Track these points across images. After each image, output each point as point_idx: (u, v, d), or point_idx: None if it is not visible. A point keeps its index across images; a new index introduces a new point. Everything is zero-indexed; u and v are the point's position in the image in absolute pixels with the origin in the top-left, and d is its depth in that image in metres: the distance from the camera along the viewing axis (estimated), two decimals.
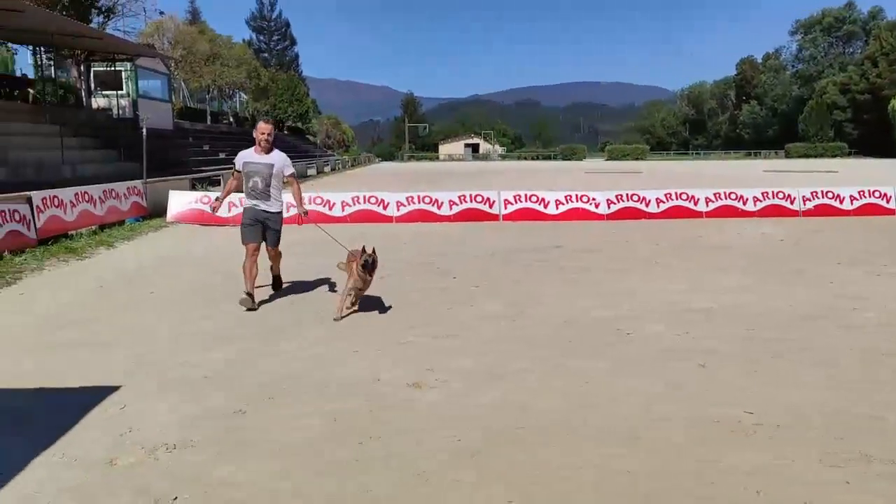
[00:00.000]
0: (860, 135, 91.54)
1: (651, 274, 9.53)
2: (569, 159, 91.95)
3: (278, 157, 7.66)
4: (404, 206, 16.45)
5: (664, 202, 16.71)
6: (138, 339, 6.33)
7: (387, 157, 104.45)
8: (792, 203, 16.81)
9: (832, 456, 3.84)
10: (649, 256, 11.00)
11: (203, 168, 27.77)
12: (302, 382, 5.17)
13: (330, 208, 16.00)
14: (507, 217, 16.33)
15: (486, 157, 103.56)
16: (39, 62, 27.85)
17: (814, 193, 16.96)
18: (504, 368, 5.48)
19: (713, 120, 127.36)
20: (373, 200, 16.43)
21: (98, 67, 31.63)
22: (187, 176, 22.04)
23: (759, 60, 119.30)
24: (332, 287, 8.46)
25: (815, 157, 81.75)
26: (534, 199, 16.67)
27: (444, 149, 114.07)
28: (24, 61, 39.60)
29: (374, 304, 7.45)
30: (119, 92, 31.82)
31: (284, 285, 8.44)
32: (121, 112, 31.11)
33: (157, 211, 16.28)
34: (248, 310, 7.30)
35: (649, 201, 16.71)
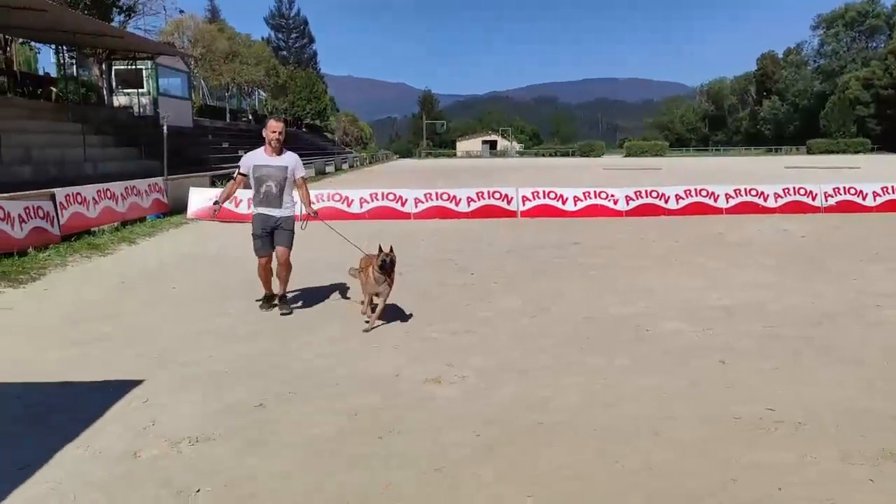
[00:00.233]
0: (883, 130, 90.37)
1: (670, 271, 9.48)
2: (587, 156, 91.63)
3: (291, 159, 7.03)
4: (422, 202, 16.46)
5: (683, 199, 16.61)
6: (160, 335, 6.39)
7: (404, 154, 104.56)
8: (814, 199, 16.64)
9: (855, 454, 3.80)
10: (668, 253, 10.94)
11: (222, 165, 27.95)
12: (322, 378, 5.20)
13: (348, 205, 16.05)
14: (525, 213, 16.31)
15: (503, 154, 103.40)
16: (62, 61, 28.18)
17: (836, 189, 16.78)
18: (523, 365, 5.48)
19: (733, 116, 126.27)
20: (391, 197, 16.46)
21: (119, 66, 31.93)
22: (207, 173, 22.22)
23: (781, 56, 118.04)
24: (351, 284, 8.48)
25: (838, 153, 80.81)
26: (552, 195, 16.61)
27: (462, 146, 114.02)
28: (46, 60, 40.17)
29: (393, 300, 7.47)
30: (140, 90, 32.10)
31: (293, 293, 7.72)
32: (142, 110, 31.40)
33: (177, 207, 16.42)
34: (264, 308, 7.21)
35: (668, 198, 16.61)
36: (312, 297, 7.92)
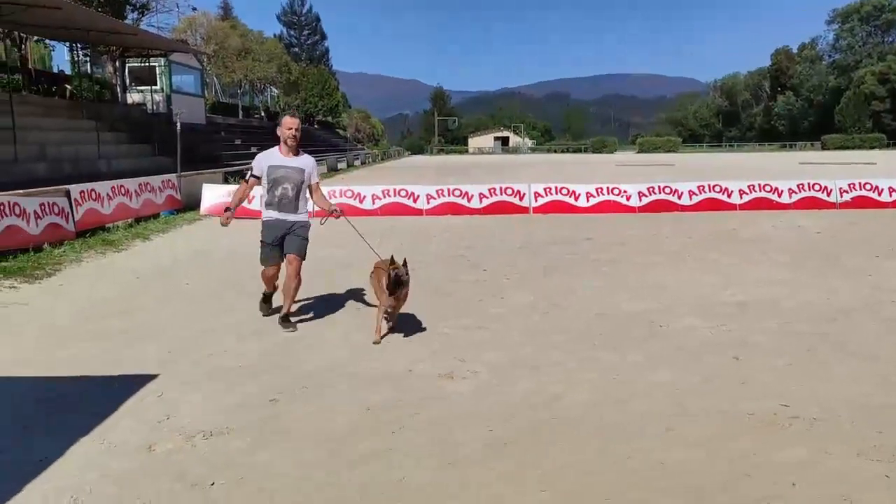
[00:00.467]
0: None
1: (683, 267, 9.43)
2: (599, 152, 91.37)
3: (309, 161, 6.49)
4: (434, 198, 16.46)
5: (697, 194, 16.52)
6: (174, 330, 6.44)
7: (416, 151, 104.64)
8: (828, 195, 16.50)
9: (871, 450, 3.78)
10: (681, 249, 10.89)
11: (235, 162, 28.05)
12: (335, 373, 5.22)
13: (360, 201, 16.07)
14: (537, 210, 16.27)
15: (515, 151, 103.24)
16: (76, 58, 28.34)
17: (851, 185, 16.62)
18: (535, 360, 5.48)
19: (747, 111, 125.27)
20: (403, 193, 16.47)
21: (133, 63, 32.07)
22: (220, 170, 22.31)
23: (795, 51, 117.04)
24: (364, 281, 8.50)
25: (853, 148, 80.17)
26: (564, 191, 16.57)
27: (474, 142, 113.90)
28: (60, 58, 40.41)
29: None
30: (153, 87, 32.23)
31: (302, 299, 7.21)
32: (155, 107, 31.52)
33: (190, 204, 16.51)
34: (270, 312, 6.71)
35: (681, 193, 16.53)
36: (325, 293, 7.94)
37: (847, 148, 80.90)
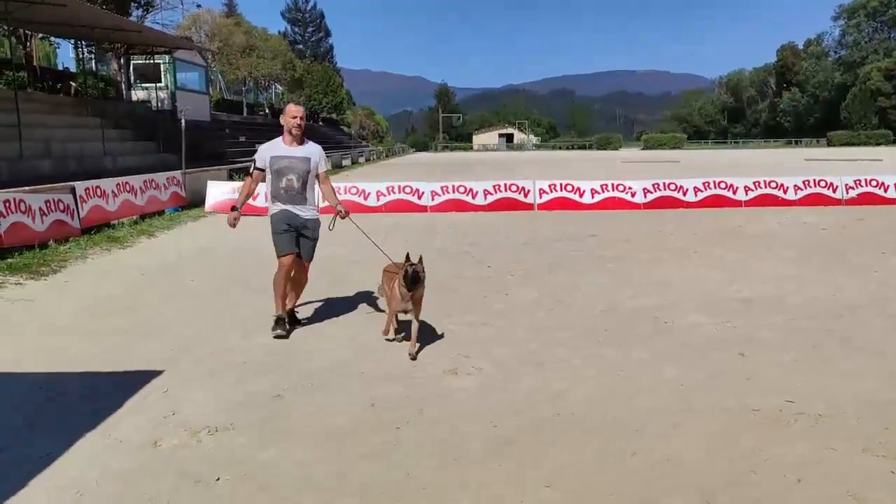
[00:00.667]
0: None
1: (688, 263, 9.41)
2: (604, 149, 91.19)
3: (314, 149, 6.22)
4: (439, 195, 16.45)
5: (702, 191, 16.47)
6: (179, 327, 6.44)
7: (420, 148, 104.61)
8: (834, 191, 16.43)
9: (877, 446, 3.76)
10: (686, 246, 10.86)
11: (240, 159, 28.09)
12: (340, 369, 5.22)
13: (365, 198, 16.07)
14: (542, 206, 16.23)
15: (520, 147, 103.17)
16: (81, 56, 28.40)
17: (857, 181, 16.55)
18: (540, 357, 5.47)
19: (752, 108, 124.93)
20: (407, 190, 16.47)
21: (137, 60, 32.15)
22: (225, 166, 22.33)
23: (801, 47, 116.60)
24: (369, 278, 8.50)
25: (859, 144, 79.84)
26: (569, 188, 16.53)
27: (478, 139, 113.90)
28: (65, 55, 40.52)
29: None
30: (158, 84, 32.30)
31: (306, 298, 6.93)
32: (160, 104, 31.59)
33: (195, 201, 16.54)
34: (279, 337, 5.99)
35: (686, 190, 16.48)
36: (329, 291, 7.93)
37: (853, 144, 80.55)
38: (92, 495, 3.38)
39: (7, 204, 9.89)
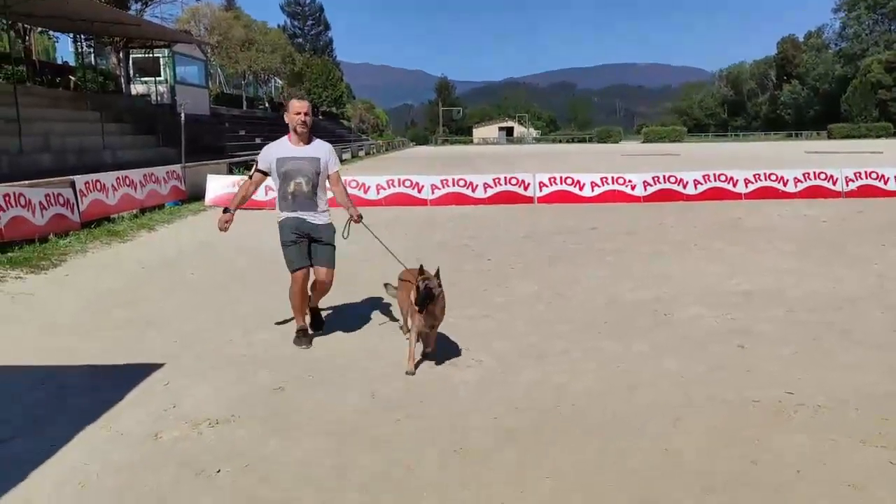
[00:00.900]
0: None
1: (688, 256, 9.41)
2: (604, 142, 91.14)
3: (323, 148, 5.69)
4: (439, 189, 16.43)
5: (702, 184, 16.45)
6: (180, 320, 6.45)
7: (421, 142, 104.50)
8: (834, 184, 16.41)
9: (876, 437, 3.77)
10: (686, 238, 10.86)
11: (239, 153, 28.07)
12: (341, 362, 5.23)
13: (365, 192, 16.06)
14: (542, 199, 16.22)
15: (520, 141, 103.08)
16: (80, 50, 28.32)
17: (857, 174, 16.53)
18: (540, 349, 5.47)
19: (753, 101, 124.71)
20: (408, 184, 16.44)
21: (136, 54, 32.03)
22: (224, 160, 22.31)
23: (801, 39, 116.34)
24: (372, 272, 8.49)
25: (859, 137, 79.71)
26: (569, 181, 16.51)
27: (479, 132, 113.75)
28: (64, 49, 40.47)
29: None
30: (157, 78, 32.20)
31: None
32: (159, 98, 31.50)
33: (195, 195, 16.52)
34: (301, 346, 5.62)
35: (686, 183, 16.47)
36: (337, 288, 7.89)
37: (853, 137, 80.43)
38: (93, 487, 3.39)
39: (7, 198, 9.89)
